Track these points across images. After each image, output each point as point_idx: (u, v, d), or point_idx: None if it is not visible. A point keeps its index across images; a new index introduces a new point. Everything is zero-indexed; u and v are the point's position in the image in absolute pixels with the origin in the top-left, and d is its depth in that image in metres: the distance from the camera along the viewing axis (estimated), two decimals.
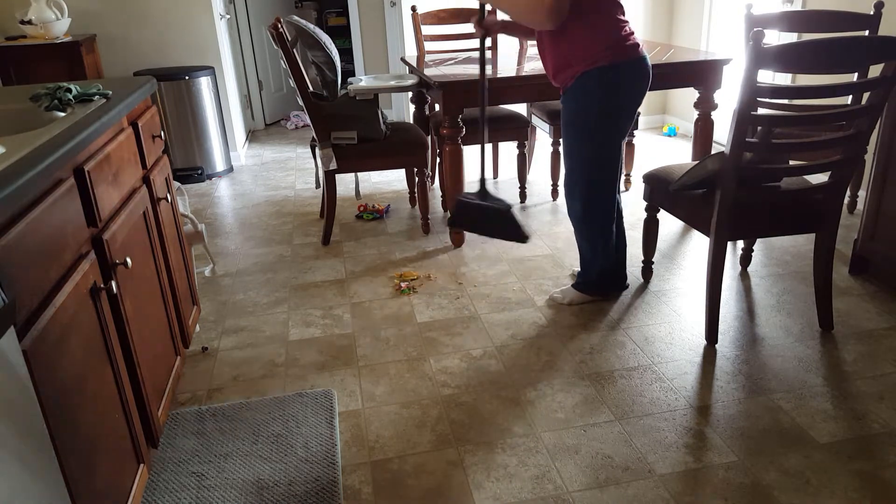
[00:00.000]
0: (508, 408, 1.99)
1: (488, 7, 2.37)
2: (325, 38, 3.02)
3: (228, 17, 5.05)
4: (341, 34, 6.65)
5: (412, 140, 3.13)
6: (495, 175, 4.09)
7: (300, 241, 3.31)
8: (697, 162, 2.22)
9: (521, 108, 4.14)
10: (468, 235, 3.23)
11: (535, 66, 3.12)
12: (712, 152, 2.51)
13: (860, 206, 3.30)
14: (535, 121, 3.72)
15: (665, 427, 1.88)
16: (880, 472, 1.68)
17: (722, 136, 4.09)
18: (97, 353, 1.35)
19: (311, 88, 3.04)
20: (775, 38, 3.62)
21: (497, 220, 2.41)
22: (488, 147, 3.96)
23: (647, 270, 2.72)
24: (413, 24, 3.83)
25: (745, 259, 2.78)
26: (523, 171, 3.63)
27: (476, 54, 2.50)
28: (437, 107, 3.71)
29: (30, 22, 3.77)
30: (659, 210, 2.54)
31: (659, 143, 4.72)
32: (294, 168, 4.57)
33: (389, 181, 4.18)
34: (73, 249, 1.29)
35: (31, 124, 1.49)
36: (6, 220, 1.06)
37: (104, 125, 1.51)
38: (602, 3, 2.07)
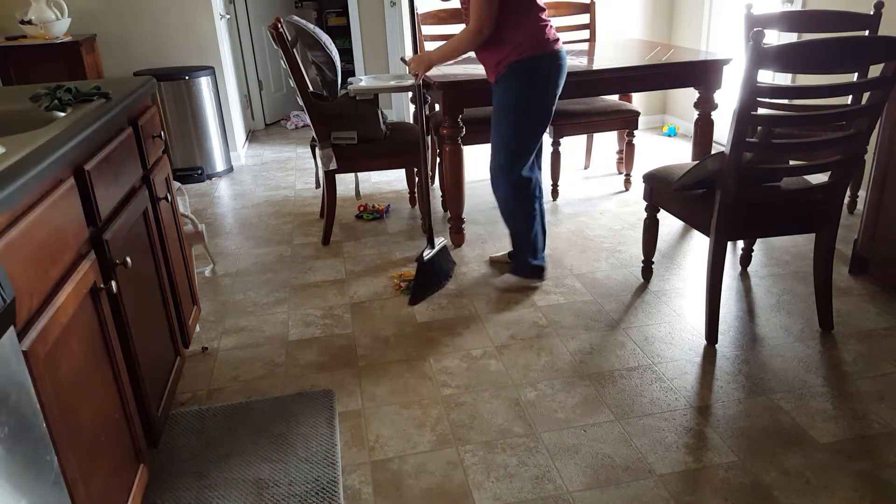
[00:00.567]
0: (508, 408, 1.99)
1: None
2: (325, 38, 3.02)
3: (228, 17, 5.05)
4: (341, 34, 6.65)
5: (412, 140, 3.13)
6: None
7: (300, 241, 3.31)
8: (697, 162, 2.22)
9: None
10: (468, 235, 3.23)
11: None
12: (712, 152, 2.51)
13: (860, 206, 3.30)
14: None
15: (665, 427, 1.88)
16: (880, 472, 1.68)
17: (722, 136, 4.09)
18: (97, 353, 1.35)
19: (311, 88, 3.04)
20: (775, 38, 3.62)
21: (442, 261, 2.81)
22: (485, 147, 3.94)
23: (647, 270, 2.72)
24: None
25: (745, 259, 2.78)
26: None
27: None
28: (437, 107, 3.71)
29: (30, 22, 3.77)
30: (659, 210, 2.55)
31: (659, 143, 4.72)
32: (294, 168, 4.57)
33: (389, 181, 4.18)
34: (73, 249, 1.29)
35: (31, 124, 1.49)
36: (6, 221, 1.06)
37: (104, 125, 1.51)
38: (523, 6, 2.38)
